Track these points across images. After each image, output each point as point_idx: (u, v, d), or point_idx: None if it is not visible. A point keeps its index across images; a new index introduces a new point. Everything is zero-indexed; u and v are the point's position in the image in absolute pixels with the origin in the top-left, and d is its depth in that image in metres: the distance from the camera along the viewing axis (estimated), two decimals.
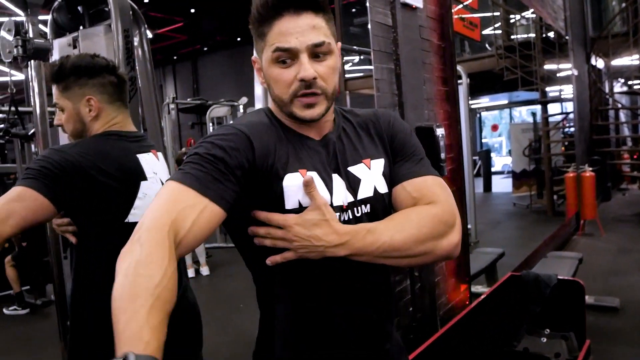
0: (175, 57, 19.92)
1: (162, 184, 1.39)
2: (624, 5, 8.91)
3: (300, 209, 0.92)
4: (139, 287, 0.69)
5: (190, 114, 17.67)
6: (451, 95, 2.97)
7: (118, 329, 0.65)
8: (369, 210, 0.99)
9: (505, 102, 16.43)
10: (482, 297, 2.80)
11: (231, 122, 1.01)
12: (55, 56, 2.48)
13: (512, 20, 8.84)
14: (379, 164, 1.03)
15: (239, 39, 19.04)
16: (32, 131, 3.83)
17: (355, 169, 1.00)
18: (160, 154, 1.54)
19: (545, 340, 2.79)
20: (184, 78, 21.50)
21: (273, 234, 0.90)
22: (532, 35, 8.34)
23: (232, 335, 4.04)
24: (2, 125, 4.81)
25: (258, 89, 3.74)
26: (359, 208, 0.99)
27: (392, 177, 1.03)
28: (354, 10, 10.83)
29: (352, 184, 0.99)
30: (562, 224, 6.43)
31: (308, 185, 0.90)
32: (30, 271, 5.22)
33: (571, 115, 9.15)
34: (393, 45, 2.46)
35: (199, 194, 0.84)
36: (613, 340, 3.32)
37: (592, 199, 6.53)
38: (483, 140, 18.43)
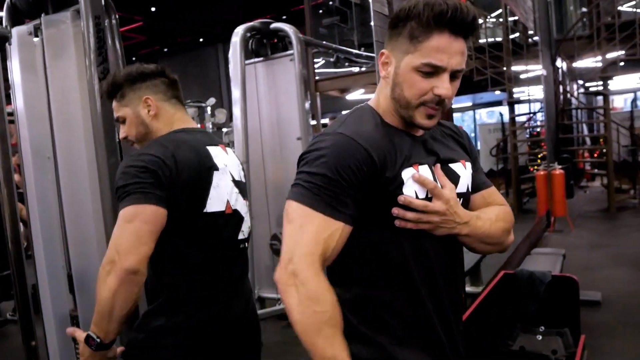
0: (134, 59, 19.34)
1: (232, 177, 1.47)
2: (584, 9, 9.18)
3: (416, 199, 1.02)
4: (319, 322, 0.90)
5: None
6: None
7: (316, 354, 0.90)
8: (461, 204, 1.09)
9: (470, 104, 16.70)
10: (480, 297, 2.72)
11: (339, 125, 1.04)
12: (14, 47, 2.24)
13: (480, 21, 8.93)
14: (469, 167, 1.16)
15: (201, 39, 18.67)
16: None
17: (455, 166, 1.12)
18: (230, 149, 1.57)
19: (540, 337, 2.74)
20: None
21: (431, 208, 0.99)
22: (500, 39, 8.45)
23: None
24: None
25: (236, 88, 3.58)
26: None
27: (473, 182, 1.17)
28: (321, 11, 10.75)
29: (453, 178, 1.09)
30: (534, 221, 6.49)
31: (436, 173, 1.03)
32: None
33: (538, 115, 9.34)
34: None
35: (334, 220, 0.95)
36: (600, 334, 3.31)
37: (562, 196, 6.63)
38: None
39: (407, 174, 1.01)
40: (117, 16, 2.52)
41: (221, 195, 1.41)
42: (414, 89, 0.99)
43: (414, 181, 1.00)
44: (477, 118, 18.13)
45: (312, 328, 0.90)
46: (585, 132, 11.06)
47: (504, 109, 11.92)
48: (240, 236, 1.48)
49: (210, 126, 7.91)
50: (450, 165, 1.10)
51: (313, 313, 0.89)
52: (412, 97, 1.00)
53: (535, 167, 7.60)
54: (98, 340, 1.24)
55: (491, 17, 8.95)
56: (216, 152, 1.46)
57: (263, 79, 3.82)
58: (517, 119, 8.85)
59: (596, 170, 10.12)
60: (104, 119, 2.25)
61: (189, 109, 7.69)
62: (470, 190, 1.14)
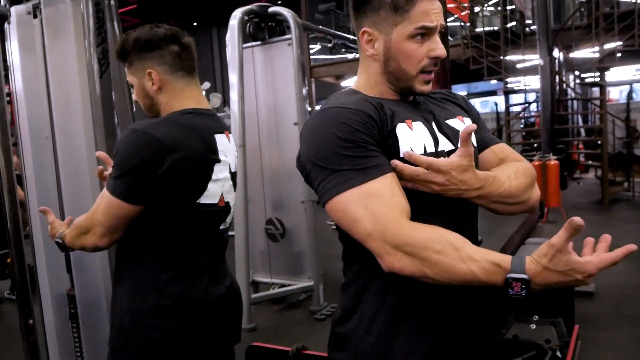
0: None
1: (230, 170, 1.43)
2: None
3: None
4: (449, 255, 0.86)
5: None
6: (442, 78, 2.88)
7: (472, 267, 0.85)
8: None
9: (465, 93, 16.72)
10: None
11: (324, 104, 1.04)
12: (13, 26, 2.21)
13: (476, 10, 8.90)
14: (468, 121, 1.11)
15: (195, 23, 18.50)
16: None
17: (452, 122, 1.09)
18: (232, 136, 1.51)
19: (534, 327, 2.77)
20: None
21: (428, 177, 0.95)
22: (497, 27, 8.43)
23: None
24: None
25: (233, 72, 3.56)
26: None
27: (478, 140, 1.11)
28: None
29: (451, 134, 1.06)
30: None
31: (467, 132, 0.93)
32: None
33: (533, 105, 9.35)
34: None
35: (384, 177, 0.93)
36: (593, 325, 3.35)
37: (556, 187, 6.67)
38: None
39: (400, 129, 0.99)
40: None
41: (217, 188, 1.38)
42: (412, 58, 1.00)
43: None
44: None
45: (453, 264, 0.86)
46: (581, 123, 11.09)
47: (499, 99, 11.93)
48: (222, 227, 1.47)
49: None
50: (448, 121, 1.08)
51: (439, 253, 0.86)
52: (411, 68, 1.01)
53: (530, 158, 7.61)
54: (61, 241, 1.45)
55: (489, 5, 8.91)
56: (221, 141, 1.42)
57: (260, 63, 3.79)
58: (512, 108, 8.85)
59: (590, 162, 10.18)
60: (102, 99, 2.24)
61: None
62: (474, 144, 1.07)
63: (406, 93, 1.07)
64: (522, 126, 9.82)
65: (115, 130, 2.35)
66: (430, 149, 1.01)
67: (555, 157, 6.82)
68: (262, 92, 3.80)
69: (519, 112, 9.15)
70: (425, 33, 1.00)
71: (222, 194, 1.40)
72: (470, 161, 0.95)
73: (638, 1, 7.63)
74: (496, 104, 10.66)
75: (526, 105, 9.10)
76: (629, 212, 7.34)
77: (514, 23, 8.81)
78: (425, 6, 0.99)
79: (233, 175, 1.46)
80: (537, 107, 8.73)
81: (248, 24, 3.71)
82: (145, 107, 1.45)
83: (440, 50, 1.00)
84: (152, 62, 1.38)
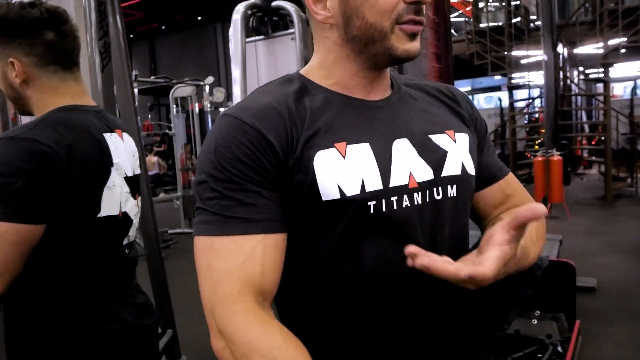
0: (131, 36, 19.13)
1: (126, 176, 1.21)
2: None
3: (341, 199, 0.69)
4: None
5: (148, 95, 17.08)
6: (445, 73, 2.87)
7: None
8: (455, 194, 0.77)
9: (469, 88, 16.66)
10: None
11: (229, 105, 0.81)
12: None
13: (481, 5, 8.86)
14: (464, 139, 0.81)
15: (199, 18, 18.49)
16: None
17: (437, 139, 0.78)
18: (126, 135, 1.27)
19: (535, 322, 2.77)
20: (140, 58, 20.74)
21: (467, 285, 0.65)
22: (501, 23, 8.40)
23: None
24: None
25: (236, 71, 3.55)
26: (444, 189, 0.76)
27: (481, 168, 0.85)
28: None
29: (434, 156, 0.76)
30: None
31: (523, 219, 0.62)
32: None
33: (537, 101, 9.33)
34: None
35: (247, 236, 0.68)
36: (594, 320, 3.35)
37: (559, 182, 6.65)
38: None
39: (321, 159, 0.70)
40: None
41: (115, 196, 1.16)
42: (377, 6, 0.70)
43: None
44: (475, 103, 18.10)
45: None
46: (584, 119, 11.06)
47: (503, 95, 11.90)
48: (125, 241, 1.23)
49: (209, 105, 7.88)
50: (432, 137, 0.78)
51: None
52: (382, 18, 0.71)
53: (533, 154, 7.60)
54: None
55: (493, 1, 8.87)
56: (113, 141, 1.19)
57: (263, 57, 3.78)
58: (516, 104, 8.83)
59: (594, 158, 10.16)
60: (104, 93, 2.24)
61: (185, 87, 7.65)
62: (472, 171, 0.81)
63: (386, 63, 0.76)
64: (525, 122, 9.79)
65: None
66: (373, 185, 0.71)
67: (558, 153, 6.80)
68: None
69: (523, 108, 9.12)
70: None
71: (120, 203, 1.18)
72: (516, 248, 0.66)
73: None
74: (500, 100, 10.64)
75: (530, 100, 9.07)
76: (632, 207, 7.32)
77: (518, 18, 8.76)
78: None
79: (130, 181, 1.23)
80: (541, 102, 8.69)
81: (251, 18, 3.69)
82: (9, 97, 1.21)
83: None
84: (17, 51, 1.11)
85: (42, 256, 1.07)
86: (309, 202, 0.70)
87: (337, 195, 0.69)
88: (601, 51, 8.05)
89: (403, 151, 0.74)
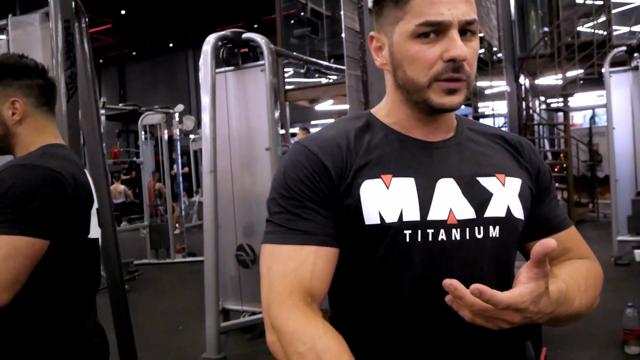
0: (100, 61, 18.98)
1: (96, 206, 1.36)
2: (546, 29, 9.53)
3: (381, 224, 0.78)
4: (315, 357, 0.70)
5: (116, 121, 16.89)
6: None
7: None
8: (497, 235, 0.81)
9: None
10: None
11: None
12: None
13: None
14: (514, 183, 0.85)
15: (171, 44, 18.51)
16: None
17: (485, 181, 0.83)
18: (86, 171, 1.41)
19: None
20: (109, 83, 20.57)
21: (501, 316, 0.70)
22: None
23: (173, 358, 3.76)
24: None
25: (205, 98, 3.56)
26: (485, 229, 0.81)
27: (540, 219, 0.89)
28: (292, 21, 10.80)
29: (479, 197, 0.81)
30: None
31: (544, 252, 0.66)
32: None
33: None
34: (360, 52, 2.40)
35: (303, 246, 0.78)
36: (561, 346, 3.39)
37: None
38: None
39: (367, 188, 0.79)
40: (87, 20, 2.49)
41: (95, 222, 1.32)
42: (419, 62, 0.77)
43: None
44: None
45: None
46: (547, 147, 11.42)
47: None
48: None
49: (178, 133, 7.83)
50: (480, 179, 0.82)
51: (299, 357, 0.71)
52: (420, 75, 0.77)
53: None
54: None
55: None
56: (88, 176, 1.36)
57: (233, 88, 3.81)
58: None
59: (557, 185, 10.43)
60: (69, 124, 2.22)
61: (155, 115, 7.61)
62: (519, 215, 0.84)
63: (428, 112, 0.82)
64: None
65: (80, 151, 2.33)
66: (411, 216, 0.78)
67: None
68: (234, 117, 3.81)
69: None
70: (435, 31, 0.76)
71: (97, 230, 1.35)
72: (546, 283, 0.70)
73: (596, 32, 7.99)
74: None
75: None
76: (595, 232, 7.53)
77: (482, 51, 9.08)
78: None
79: (97, 212, 1.38)
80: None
81: (222, 49, 3.73)
82: None
83: (457, 49, 0.75)
84: (19, 92, 1.28)
85: (41, 270, 1.16)
86: (354, 225, 0.79)
87: (378, 221, 0.78)
88: (560, 82, 8.39)
89: (447, 189, 0.80)
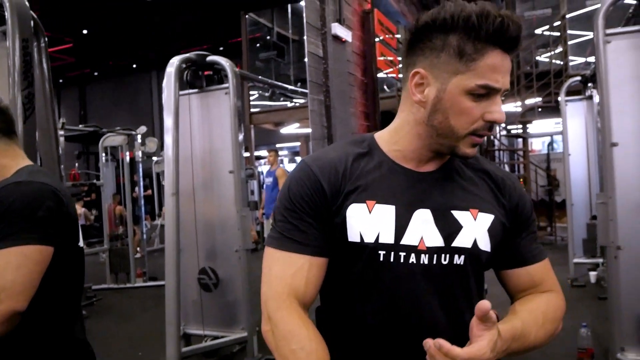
0: (60, 81, 18.56)
1: None
2: None
3: (360, 243, 0.90)
4: (305, 355, 0.83)
5: (76, 142, 16.45)
6: (372, 130, 2.98)
7: None
8: (461, 263, 0.91)
9: None
10: None
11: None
12: None
13: None
14: (486, 219, 0.94)
15: (134, 65, 18.29)
16: None
17: (458, 215, 0.92)
18: None
19: None
20: (69, 103, 20.12)
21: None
22: None
23: None
24: None
25: (168, 120, 3.52)
26: (451, 257, 0.91)
27: (515, 251, 0.98)
28: (258, 45, 10.88)
29: (449, 228, 0.91)
30: None
31: (482, 312, 0.77)
32: None
33: None
34: (323, 77, 2.42)
35: (299, 255, 0.90)
36: None
37: None
38: None
39: (353, 211, 0.90)
40: (46, 39, 2.44)
41: (80, 231, 1.41)
42: (465, 117, 0.86)
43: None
44: None
45: None
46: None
47: None
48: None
49: (140, 155, 7.68)
50: (453, 212, 0.91)
51: (290, 352, 0.84)
52: (461, 127, 0.87)
53: None
54: None
55: None
56: None
57: (197, 110, 3.78)
58: None
59: None
60: (25, 145, 2.15)
61: (116, 137, 7.46)
62: (485, 247, 0.92)
63: (444, 154, 0.93)
64: None
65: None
66: (386, 239, 0.89)
67: None
68: (197, 139, 3.77)
69: None
70: (486, 93, 0.85)
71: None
72: (497, 328, 0.80)
73: (554, 62, 8.35)
74: None
75: None
76: (553, 255, 7.56)
77: None
78: (496, 60, 0.84)
79: None
80: None
81: (186, 72, 3.71)
82: None
83: (499, 114, 0.86)
84: None
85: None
86: (340, 240, 0.91)
87: (358, 240, 0.90)
88: (520, 109, 8.69)
89: (422, 219, 0.90)
